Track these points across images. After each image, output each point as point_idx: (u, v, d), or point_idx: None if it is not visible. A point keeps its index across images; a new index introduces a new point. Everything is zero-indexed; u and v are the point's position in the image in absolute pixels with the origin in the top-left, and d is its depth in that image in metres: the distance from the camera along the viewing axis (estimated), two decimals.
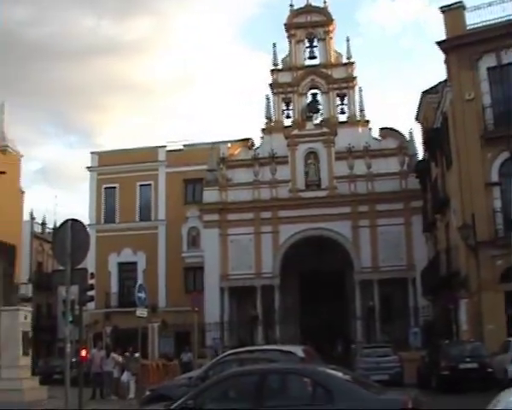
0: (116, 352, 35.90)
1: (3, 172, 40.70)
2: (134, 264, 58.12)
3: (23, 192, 45.34)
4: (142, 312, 29.37)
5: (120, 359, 34.51)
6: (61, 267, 17.28)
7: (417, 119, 48.81)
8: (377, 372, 30.43)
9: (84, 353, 28.86)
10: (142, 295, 29.66)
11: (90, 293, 27.04)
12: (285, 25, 53.97)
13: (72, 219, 17.10)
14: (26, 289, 59.21)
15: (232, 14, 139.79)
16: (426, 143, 44.84)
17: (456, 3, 35.69)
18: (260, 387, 11.30)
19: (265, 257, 49.44)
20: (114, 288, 57.86)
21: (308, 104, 53.02)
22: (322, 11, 54.20)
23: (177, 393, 15.84)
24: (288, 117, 53.23)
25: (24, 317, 28.43)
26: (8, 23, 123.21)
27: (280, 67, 53.66)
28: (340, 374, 11.55)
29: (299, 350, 20.52)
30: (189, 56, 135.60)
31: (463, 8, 35.75)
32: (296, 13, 54.28)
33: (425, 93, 44.58)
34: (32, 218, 70.76)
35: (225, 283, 49.52)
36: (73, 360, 30.58)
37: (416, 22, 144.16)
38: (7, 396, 24.98)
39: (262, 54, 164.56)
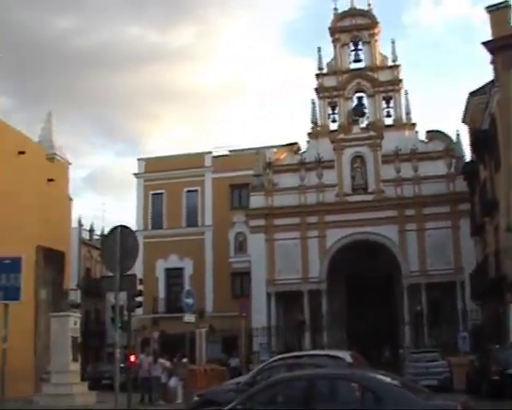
0: (164, 357, 36.09)
1: (52, 180, 41.12)
2: (181, 269, 58.34)
3: (71, 199, 45.72)
4: (189, 317, 29.43)
5: (168, 364, 34.69)
6: (110, 273, 17.40)
7: (464, 120, 48.31)
8: (426, 378, 30.16)
9: (132, 358, 29.08)
10: (190, 300, 29.71)
11: (139, 299, 27.22)
12: (329, 29, 53.74)
13: (122, 226, 17.24)
14: (75, 296, 59.73)
15: (275, 19, 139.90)
16: (473, 144, 44.23)
17: (502, 3, 35.28)
18: (309, 392, 11.25)
19: (312, 262, 49.23)
20: (162, 293, 58.15)
21: (354, 108, 52.71)
22: (367, 14, 53.91)
23: (224, 398, 15.86)
24: (333, 121, 52.91)
25: (73, 323, 28.67)
26: (57, 33, 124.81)
27: (325, 71, 53.44)
28: (388, 379, 11.46)
29: (346, 355, 20.40)
30: (234, 63, 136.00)
31: (510, 7, 35.32)
32: (340, 16, 54.01)
33: (472, 94, 44.05)
34: (81, 225, 71.48)
35: (272, 288, 49.40)
36: (122, 365, 30.80)
37: (462, 23, 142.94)
38: (57, 401, 25.23)
39: (304, 58, 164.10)
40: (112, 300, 37.23)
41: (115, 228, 17.18)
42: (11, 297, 16.45)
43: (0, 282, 16.42)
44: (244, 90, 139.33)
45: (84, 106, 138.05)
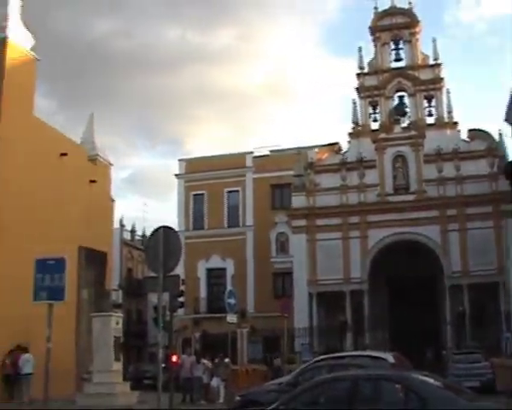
0: (205, 357, 36.18)
1: (94, 181, 41.47)
2: (223, 270, 58.46)
3: (113, 200, 46.03)
4: (232, 318, 29.54)
5: (210, 364, 34.76)
6: (153, 274, 17.49)
7: (507, 119, 47.70)
8: (468, 379, 29.79)
9: (174, 358, 29.19)
10: (232, 300, 29.80)
11: (181, 299, 27.30)
12: (370, 28, 53.48)
13: (165, 227, 17.32)
14: (117, 296, 60.21)
15: (315, 20, 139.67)
16: None
17: None
18: (352, 393, 11.23)
19: (354, 262, 49.05)
20: (203, 294, 58.33)
21: (395, 107, 52.41)
22: (407, 13, 53.55)
23: (267, 398, 15.87)
24: (375, 121, 52.62)
25: (115, 323, 28.82)
26: (97, 35, 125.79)
27: (366, 70, 53.20)
28: (431, 380, 11.39)
29: (389, 356, 20.29)
30: (275, 63, 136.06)
31: None
32: (381, 15, 53.69)
33: None
34: (122, 225, 72.01)
35: (314, 288, 49.30)
36: (163, 365, 30.92)
37: (503, 21, 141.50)
38: (100, 400, 25.37)
39: (344, 58, 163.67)
40: (154, 300, 37.49)
41: (158, 229, 17.28)
42: (55, 297, 16.56)
43: (44, 282, 16.56)
44: (284, 90, 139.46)
45: (125, 107, 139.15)
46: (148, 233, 76.52)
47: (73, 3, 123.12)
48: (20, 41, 34.18)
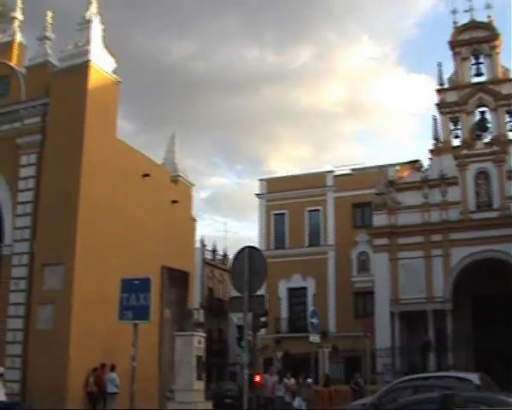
0: (287, 377, 36.12)
1: (176, 202, 41.91)
2: (304, 289, 58.45)
3: (195, 220, 46.42)
4: (315, 337, 29.46)
5: (292, 384, 34.68)
6: (238, 294, 17.59)
7: None
8: None
9: (257, 378, 29.25)
10: (315, 320, 29.75)
11: (264, 319, 27.38)
12: (449, 42, 52.76)
13: (250, 247, 17.43)
14: (198, 315, 60.62)
15: (392, 37, 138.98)
16: None
17: None
18: None
19: (436, 281, 48.34)
20: (284, 313, 58.37)
21: (476, 123, 51.57)
22: (487, 26, 52.68)
23: None
24: (456, 137, 51.84)
25: (198, 342, 28.98)
26: (177, 59, 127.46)
27: (446, 86, 52.60)
28: None
29: (475, 377, 19.90)
30: (352, 81, 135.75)
31: None
32: (460, 30, 52.92)
33: None
34: (203, 245, 72.58)
35: (396, 307, 48.81)
36: None
37: None
38: None
39: (421, 75, 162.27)
40: (235, 319, 37.73)
41: (243, 249, 17.39)
42: (140, 317, 16.82)
43: (129, 302, 16.85)
44: (362, 107, 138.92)
45: (204, 128, 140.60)
46: (228, 253, 77.25)
47: (153, 27, 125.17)
48: (103, 64, 34.77)
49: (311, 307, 42.34)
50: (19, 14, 38.87)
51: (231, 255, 61.90)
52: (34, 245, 32.88)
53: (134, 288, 16.98)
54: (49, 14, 37.10)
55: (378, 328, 47.65)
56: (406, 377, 22.56)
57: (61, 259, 31.44)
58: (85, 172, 32.35)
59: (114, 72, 35.85)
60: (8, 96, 36.55)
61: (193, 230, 46.25)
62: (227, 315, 61.32)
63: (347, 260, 56.13)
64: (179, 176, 44.07)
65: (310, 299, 57.29)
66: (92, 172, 32.65)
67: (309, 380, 33.87)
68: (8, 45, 38.29)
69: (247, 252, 17.14)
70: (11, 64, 37.34)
